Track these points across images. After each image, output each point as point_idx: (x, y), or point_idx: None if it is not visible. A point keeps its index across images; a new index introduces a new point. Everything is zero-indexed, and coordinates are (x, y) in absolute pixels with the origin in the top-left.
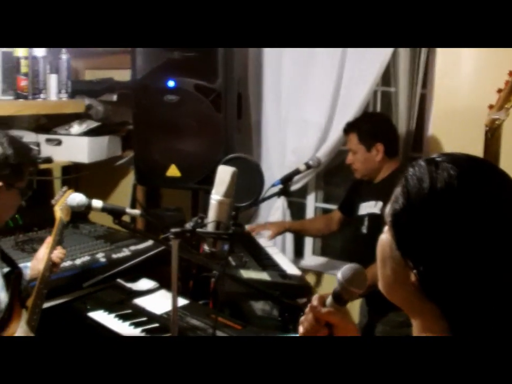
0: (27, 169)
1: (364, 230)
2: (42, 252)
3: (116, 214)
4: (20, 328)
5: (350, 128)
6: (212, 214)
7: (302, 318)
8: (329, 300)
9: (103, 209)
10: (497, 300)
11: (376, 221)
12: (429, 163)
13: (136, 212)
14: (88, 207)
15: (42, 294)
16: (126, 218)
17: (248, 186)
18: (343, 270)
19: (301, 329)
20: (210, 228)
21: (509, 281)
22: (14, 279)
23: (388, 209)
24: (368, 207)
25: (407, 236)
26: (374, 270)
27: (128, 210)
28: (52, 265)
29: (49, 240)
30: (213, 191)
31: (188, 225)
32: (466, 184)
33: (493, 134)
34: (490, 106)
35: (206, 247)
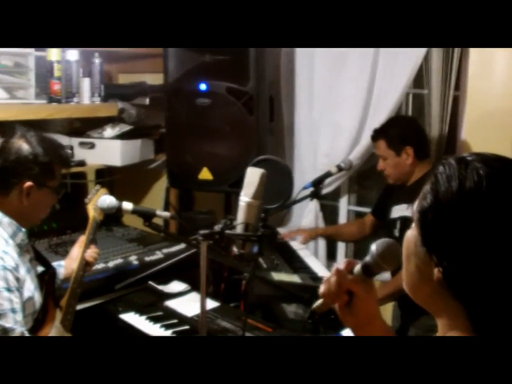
0: (58, 168)
1: (396, 233)
2: (76, 251)
3: (146, 216)
4: (54, 328)
5: (377, 134)
6: (240, 216)
7: (326, 279)
8: (357, 268)
9: (134, 211)
10: None
11: (408, 224)
12: (459, 162)
13: (167, 214)
14: (119, 209)
15: (76, 293)
16: (159, 221)
17: (278, 188)
18: (378, 243)
19: (321, 288)
20: (239, 229)
21: None
22: (48, 279)
23: (416, 206)
24: (400, 210)
25: (433, 233)
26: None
27: (159, 212)
28: (85, 265)
29: (82, 239)
30: (242, 193)
31: (217, 227)
32: (495, 185)
33: None
34: None
35: (235, 249)
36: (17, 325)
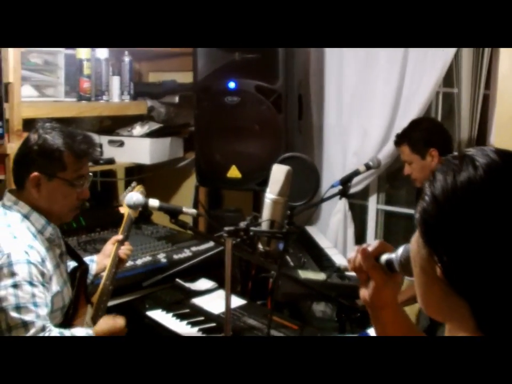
0: (69, 159)
1: None
2: (109, 248)
3: (172, 213)
4: (85, 324)
5: (400, 140)
6: (266, 213)
7: (356, 248)
8: (383, 258)
9: (160, 208)
10: None
11: None
12: (455, 157)
13: (193, 211)
14: (145, 206)
15: (108, 290)
16: (189, 220)
17: (304, 185)
18: (404, 249)
19: (350, 254)
20: (264, 226)
21: None
22: (80, 275)
23: (417, 207)
24: None
25: (432, 230)
26: None
27: (185, 209)
28: (118, 262)
29: (116, 237)
30: (267, 190)
31: (242, 224)
32: (491, 175)
33: None
34: None
35: (260, 246)
36: (38, 319)
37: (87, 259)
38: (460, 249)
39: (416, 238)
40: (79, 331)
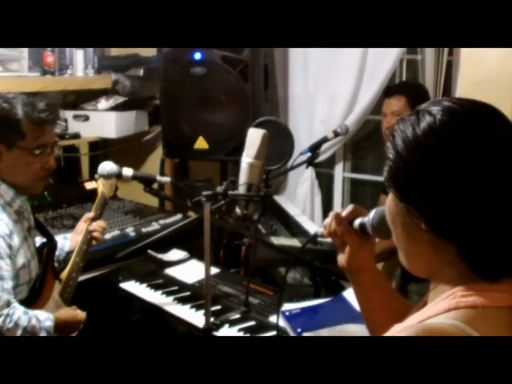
0: (28, 127)
1: None
2: (82, 226)
3: (146, 181)
4: (51, 299)
5: (398, 90)
6: (243, 177)
7: (331, 213)
8: (356, 223)
9: (134, 177)
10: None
11: None
12: (410, 114)
13: (167, 179)
14: (119, 176)
15: (79, 267)
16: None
17: (279, 149)
18: (376, 212)
19: (326, 220)
20: (241, 190)
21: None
22: (48, 250)
23: (385, 167)
24: None
25: (405, 186)
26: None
27: (159, 177)
28: (90, 239)
29: (88, 214)
30: (244, 154)
31: (220, 189)
32: (448, 119)
33: None
34: None
35: (238, 210)
36: (3, 293)
37: (60, 237)
38: (437, 196)
39: (391, 198)
40: (41, 313)
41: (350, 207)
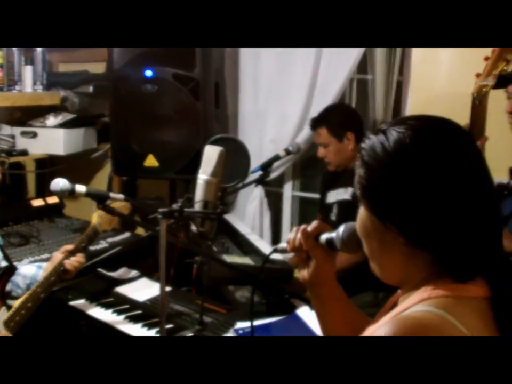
0: None
1: (333, 217)
2: (58, 257)
3: (100, 198)
4: None
5: (318, 122)
6: (199, 194)
7: (295, 229)
8: (323, 238)
9: (87, 194)
10: (476, 224)
11: (345, 207)
12: (376, 133)
13: (120, 196)
14: (72, 192)
15: (38, 297)
16: None
17: (236, 166)
18: (345, 228)
19: (289, 235)
20: (198, 207)
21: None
22: (1, 274)
23: (355, 186)
24: (337, 195)
25: (380, 202)
26: (341, 258)
27: (112, 194)
28: (63, 272)
29: (66, 246)
30: (200, 171)
31: (176, 206)
32: (416, 135)
33: (480, 102)
34: (478, 75)
35: (193, 228)
36: None
37: (35, 265)
38: (415, 209)
39: (363, 213)
40: None
41: (314, 223)
